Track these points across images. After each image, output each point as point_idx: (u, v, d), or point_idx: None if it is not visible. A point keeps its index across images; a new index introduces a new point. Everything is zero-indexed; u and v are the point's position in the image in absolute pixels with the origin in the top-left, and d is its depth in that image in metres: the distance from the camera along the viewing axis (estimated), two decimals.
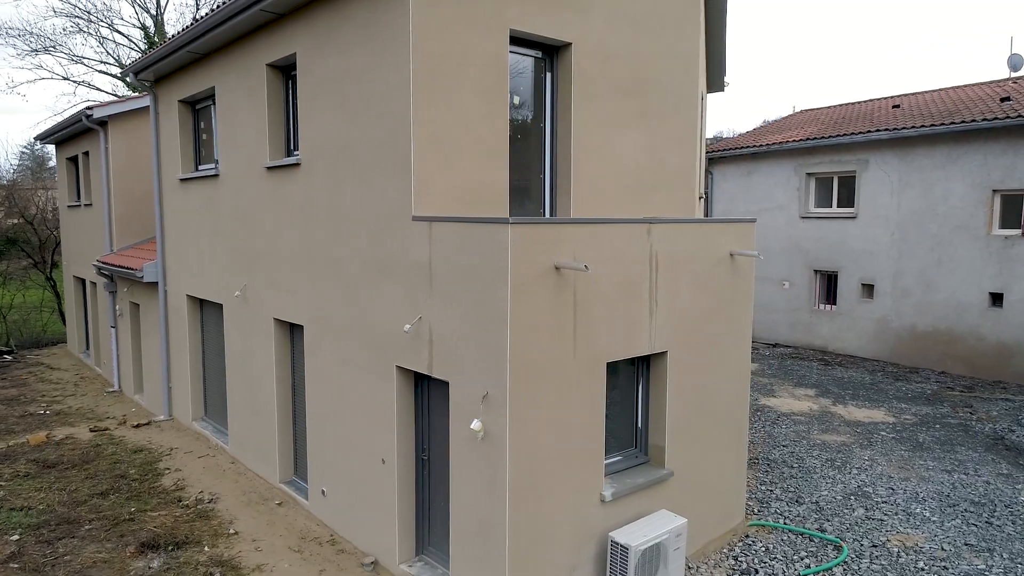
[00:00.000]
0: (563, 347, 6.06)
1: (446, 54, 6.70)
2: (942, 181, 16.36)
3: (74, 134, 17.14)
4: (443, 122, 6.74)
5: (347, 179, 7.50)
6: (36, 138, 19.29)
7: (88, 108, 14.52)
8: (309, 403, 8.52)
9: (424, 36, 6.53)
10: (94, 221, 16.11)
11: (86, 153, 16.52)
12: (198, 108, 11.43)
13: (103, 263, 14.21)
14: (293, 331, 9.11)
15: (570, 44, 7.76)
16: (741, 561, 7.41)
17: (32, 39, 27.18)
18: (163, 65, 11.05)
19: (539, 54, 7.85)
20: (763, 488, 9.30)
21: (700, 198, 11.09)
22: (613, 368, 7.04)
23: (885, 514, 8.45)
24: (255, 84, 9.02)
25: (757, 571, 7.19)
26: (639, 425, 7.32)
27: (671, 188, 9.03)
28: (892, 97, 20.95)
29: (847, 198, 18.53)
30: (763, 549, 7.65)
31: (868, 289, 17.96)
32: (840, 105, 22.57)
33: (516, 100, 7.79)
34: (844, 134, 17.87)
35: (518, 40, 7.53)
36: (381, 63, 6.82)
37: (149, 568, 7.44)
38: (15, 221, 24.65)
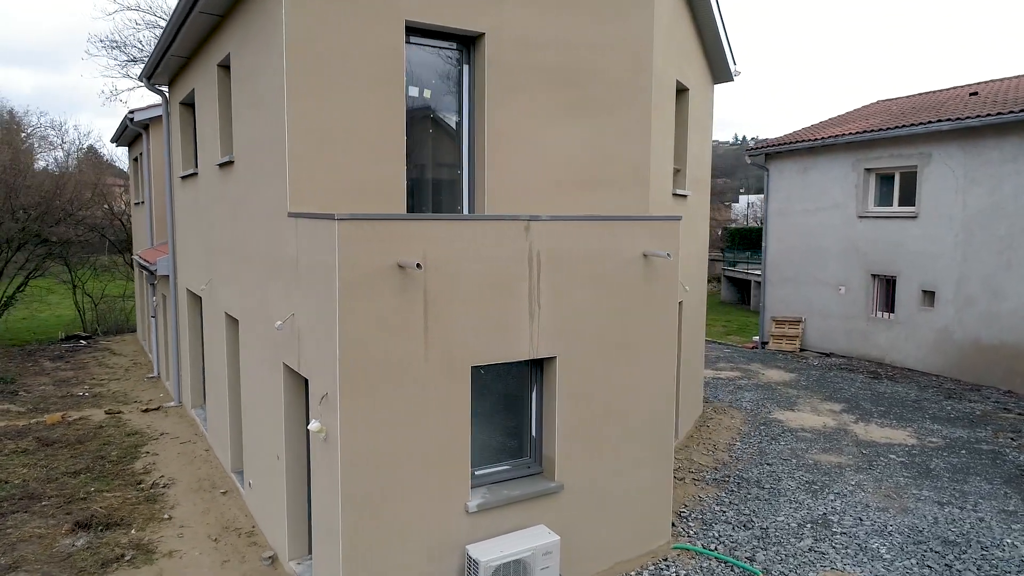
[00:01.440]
0: (412, 349, 5.82)
1: (329, 48, 6.60)
2: (1012, 176, 14.55)
3: (133, 137, 18.44)
4: (326, 117, 6.64)
5: (255, 176, 7.57)
6: (111, 140, 20.91)
7: (130, 112, 15.54)
8: (243, 396, 8.69)
9: (302, 29, 6.46)
10: (144, 217, 17.26)
11: (141, 154, 17.71)
12: (194, 109, 11.94)
13: (139, 257, 15.16)
14: (237, 325, 9.33)
15: (483, 34, 7.45)
16: None
17: (132, 50, 29.50)
18: (164, 68, 11.61)
19: (454, 46, 7.59)
20: (716, 509, 8.59)
21: (681, 195, 10.41)
22: (499, 372, 6.72)
23: (834, 547, 7.58)
24: (211, 84, 9.30)
25: None
26: (533, 434, 6.93)
27: (619, 184, 8.50)
28: (972, 84, 18.87)
29: (908, 196, 16.88)
30: (674, 575, 7.05)
31: (929, 296, 16.28)
32: (917, 94, 20.61)
33: (427, 93, 7.58)
34: (902, 125, 16.28)
35: (426, 32, 7.32)
36: (268, 58, 6.82)
37: (73, 546, 7.82)
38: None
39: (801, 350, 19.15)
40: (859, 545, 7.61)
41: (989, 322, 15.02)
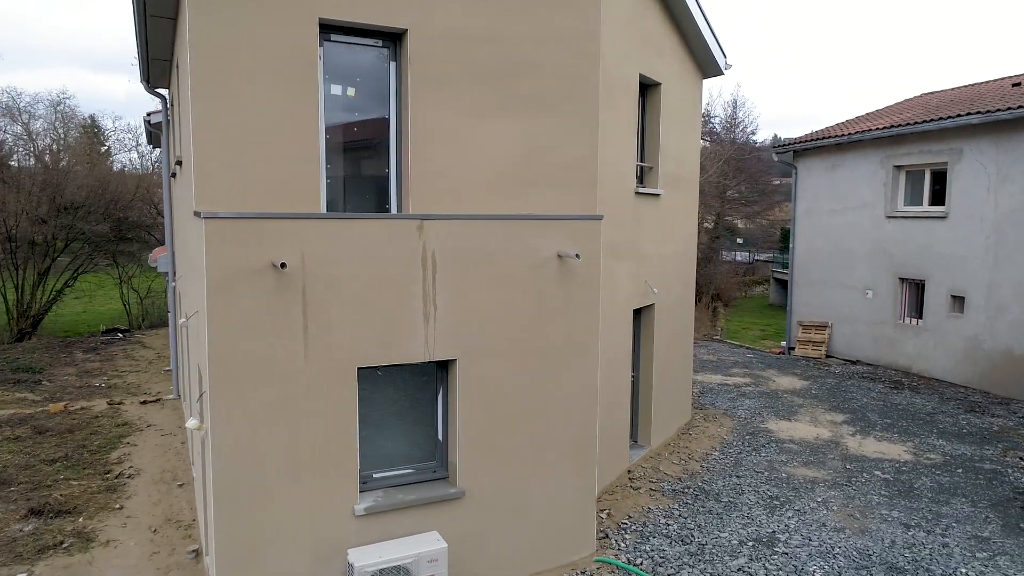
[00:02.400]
0: (291, 349, 5.77)
1: (237, 47, 6.59)
2: None
3: (156, 138, 19.18)
4: (235, 116, 6.63)
5: (186, 175, 7.68)
6: (147, 143, 21.81)
7: (147, 115, 16.15)
8: (199, 390, 8.86)
9: (207, 28, 6.48)
10: (166, 215, 17.93)
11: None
12: None
13: (151, 255, 15.74)
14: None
15: (406, 30, 7.33)
16: None
17: None
18: (157, 70, 11.99)
19: (379, 43, 7.50)
20: (662, 521, 8.22)
21: (650, 194, 10.02)
22: (406, 374, 6.59)
23: (767, 567, 7.12)
24: (175, 85, 9.52)
25: None
26: (440, 438, 6.78)
27: (561, 183, 8.20)
28: (1015, 75, 17.54)
29: (939, 195, 15.82)
30: None
31: (958, 302, 15.21)
32: (962, 87, 19.30)
33: (351, 91, 7.52)
34: (930, 120, 15.26)
35: (347, 29, 7.25)
36: (184, 58, 6.90)
37: (21, 531, 8.13)
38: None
39: (827, 356, 18.24)
40: (795, 567, 7.13)
41: (1021, 331, 13.91)
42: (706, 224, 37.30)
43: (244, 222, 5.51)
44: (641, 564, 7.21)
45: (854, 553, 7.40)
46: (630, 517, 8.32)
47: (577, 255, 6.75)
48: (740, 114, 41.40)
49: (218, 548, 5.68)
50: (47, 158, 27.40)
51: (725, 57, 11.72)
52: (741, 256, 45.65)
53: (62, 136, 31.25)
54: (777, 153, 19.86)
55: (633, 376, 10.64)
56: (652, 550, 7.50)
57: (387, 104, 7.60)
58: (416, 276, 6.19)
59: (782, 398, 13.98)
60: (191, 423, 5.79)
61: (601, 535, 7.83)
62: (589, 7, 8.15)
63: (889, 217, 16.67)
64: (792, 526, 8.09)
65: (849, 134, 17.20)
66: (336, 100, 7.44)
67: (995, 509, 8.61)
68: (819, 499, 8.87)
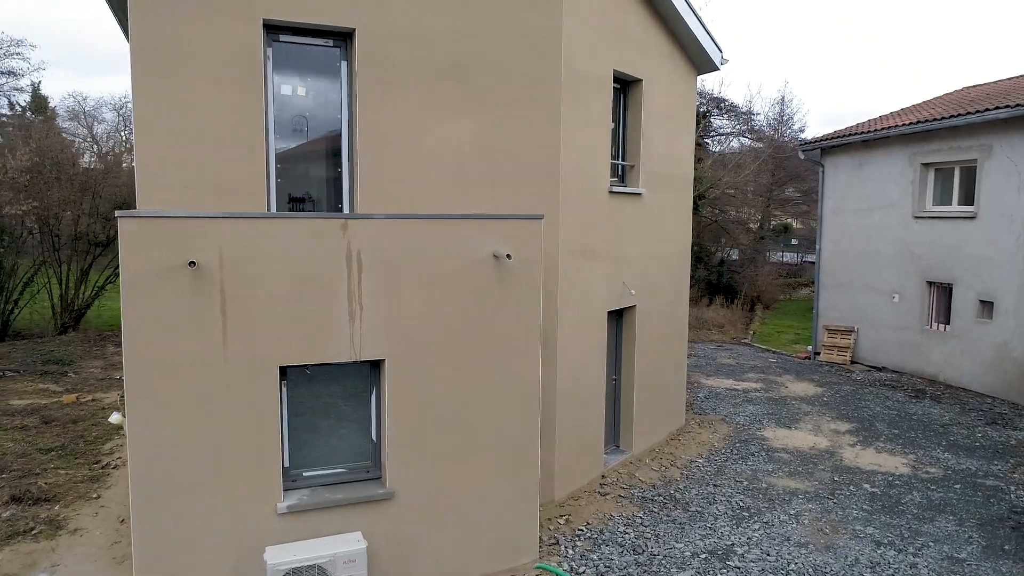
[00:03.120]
0: (210, 347, 5.82)
1: (180, 48, 6.72)
2: None
3: None
4: (178, 117, 6.77)
5: None
6: None
7: None
8: None
9: (148, 30, 6.62)
10: None
11: None
12: None
13: None
14: None
15: (354, 30, 7.33)
16: None
17: None
18: None
19: (330, 42, 7.53)
20: (620, 529, 8.01)
21: (630, 193, 9.78)
22: (340, 374, 6.59)
23: None
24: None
25: None
26: (374, 439, 6.75)
27: (520, 182, 8.10)
28: None
29: (969, 194, 14.98)
30: None
31: (987, 307, 14.37)
32: (1006, 79, 18.23)
33: (301, 91, 7.56)
34: (958, 114, 14.45)
35: (295, 30, 7.30)
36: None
37: None
38: None
39: (852, 362, 17.50)
40: None
41: None
42: (751, 224, 36.33)
43: (160, 221, 5.59)
44: (584, 573, 7.03)
45: (809, 570, 7.05)
46: (588, 524, 8.13)
47: (508, 255, 6.61)
48: (787, 111, 40.21)
49: (137, 544, 5.78)
50: (110, 158, 28.54)
51: (721, 52, 11.35)
52: (789, 257, 44.28)
53: (124, 139, 32.60)
54: (804, 151, 19.16)
55: (614, 379, 10.42)
56: (599, 559, 7.31)
57: (340, 104, 7.64)
58: (341, 276, 6.17)
59: (789, 405, 13.47)
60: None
61: (552, 541, 7.67)
62: (550, 4, 8.00)
63: (917, 217, 15.87)
64: (754, 539, 7.76)
65: (875, 130, 16.46)
66: (287, 100, 7.50)
67: (982, 529, 8.07)
68: (792, 511, 8.49)
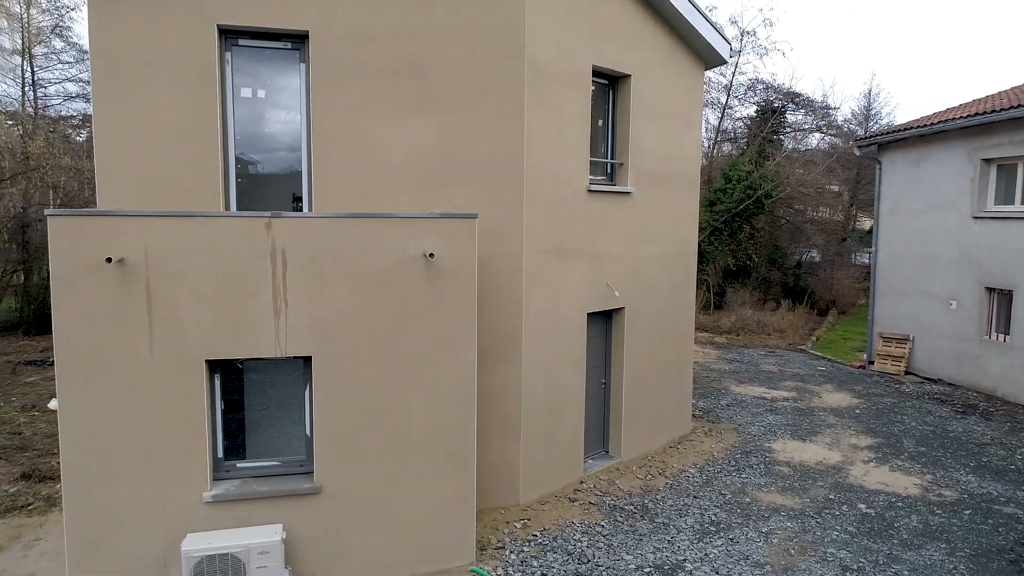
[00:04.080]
0: (135, 340, 6.09)
1: (136, 54, 7.07)
2: None
3: None
4: (136, 120, 7.12)
5: None
6: None
7: None
8: None
9: (106, 37, 7.00)
10: None
11: None
12: None
13: None
14: None
15: (307, 32, 7.48)
16: None
17: None
18: None
19: (288, 45, 7.71)
20: (575, 537, 7.80)
21: (616, 192, 9.50)
22: (276, 369, 6.75)
23: None
24: None
25: None
26: (308, 434, 6.86)
27: (479, 179, 8.03)
28: None
29: None
30: None
31: None
32: None
33: (261, 93, 7.78)
34: (1020, 104, 13.20)
35: (252, 34, 7.52)
36: None
37: (6, 492, 9.16)
38: None
39: (906, 373, 16.34)
40: None
41: None
42: (831, 225, 34.51)
43: (87, 220, 5.90)
44: None
45: None
46: (545, 530, 7.96)
47: (431, 255, 6.56)
48: (874, 105, 37.96)
49: (69, 527, 6.13)
50: None
51: (729, 44, 10.84)
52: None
53: None
54: (860, 147, 18.02)
55: (603, 383, 10.16)
56: (540, 566, 7.15)
57: (298, 105, 7.80)
58: (266, 274, 6.31)
59: (815, 416, 12.71)
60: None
61: (499, 545, 7.57)
62: (512, 3, 7.90)
63: (976, 218, 14.62)
64: (711, 556, 7.37)
65: (931, 124, 15.28)
66: (248, 102, 7.73)
67: (975, 560, 7.36)
68: (765, 529, 8.01)
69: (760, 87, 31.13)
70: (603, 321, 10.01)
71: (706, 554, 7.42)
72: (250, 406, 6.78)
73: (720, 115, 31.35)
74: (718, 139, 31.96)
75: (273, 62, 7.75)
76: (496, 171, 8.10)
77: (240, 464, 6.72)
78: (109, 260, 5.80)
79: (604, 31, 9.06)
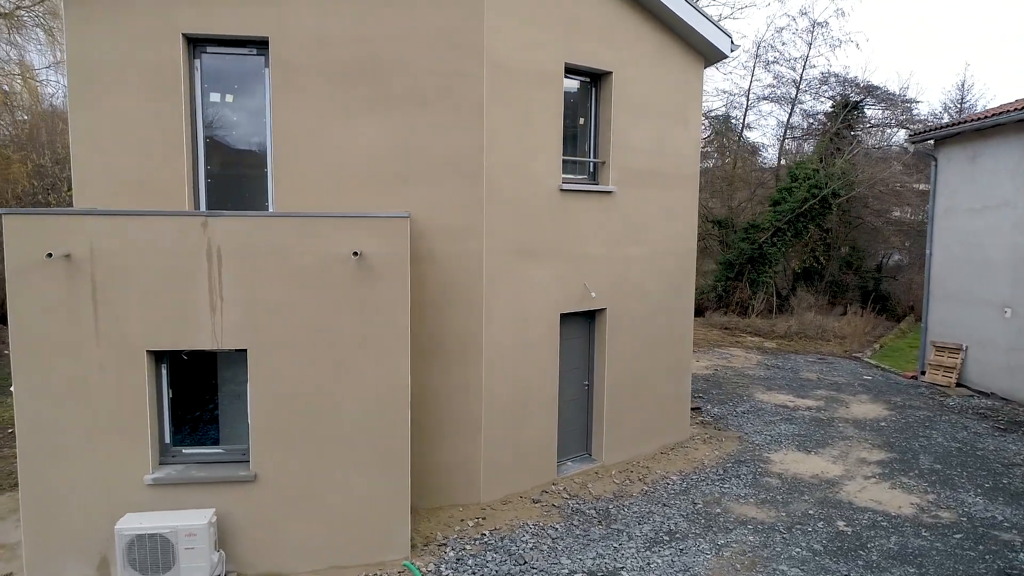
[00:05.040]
0: (82, 331, 6.54)
1: (108, 62, 7.56)
2: None
3: None
4: (105, 123, 7.62)
5: None
6: None
7: None
8: None
9: (80, 46, 7.53)
10: None
11: None
12: None
13: None
14: None
15: (267, 39, 7.78)
16: None
17: None
18: None
19: (254, 51, 8.03)
20: (523, 539, 7.76)
21: (597, 191, 9.37)
22: (221, 360, 7.09)
23: None
24: None
25: None
26: (248, 424, 7.14)
27: (438, 179, 8.11)
28: None
29: None
30: None
31: None
32: None
33: (229, 98, 8.15)
34: None
35: (218, 41, 7.89)
36: None
37: None
38: None
39: (957, 385, 15.22)
40: None
41: None
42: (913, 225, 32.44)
43: (38, 218, 6.38)
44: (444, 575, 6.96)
45: None
46: (496, 529, 7.97)
47: (355, 253, 6.70)
48: (969, 98, 35.39)
49: (23, 504, 6.64)
50: None
51: (729, 38, 10.44)
52: None
53: None
54: (913, 142, 16.88)
55: (585, 385, 10.04)
56: (474, 564, 7.17)
57: (264, 108, 8.13)
58: (202, 270, 6.63)
59: (833, 428, 12.06)
60: (14, 388, 6.83)
61: (442, 541, 7.63)
62: (470, 4, 7.95)
63: None
64: (652, 565, 7.17)
65: (988, 116, 14.15)
66: (217, 107, 8.12)
67: None
68: (722, 542, 7.71)
69: (832, 80, 29.64)
70: (586, 322, 9.88)
71: (648, 563, 7.22)
72: (199, 396, 7.14)
73: (789, 110, 30.10)
74: (786, 135, 30.67)
75: (240, 68, 8.11)
76: (455, 171, 8.17)
77: (187, 450, 7.09)
78: (50, 255, 6.26)
79: (578, 29, 8.94)
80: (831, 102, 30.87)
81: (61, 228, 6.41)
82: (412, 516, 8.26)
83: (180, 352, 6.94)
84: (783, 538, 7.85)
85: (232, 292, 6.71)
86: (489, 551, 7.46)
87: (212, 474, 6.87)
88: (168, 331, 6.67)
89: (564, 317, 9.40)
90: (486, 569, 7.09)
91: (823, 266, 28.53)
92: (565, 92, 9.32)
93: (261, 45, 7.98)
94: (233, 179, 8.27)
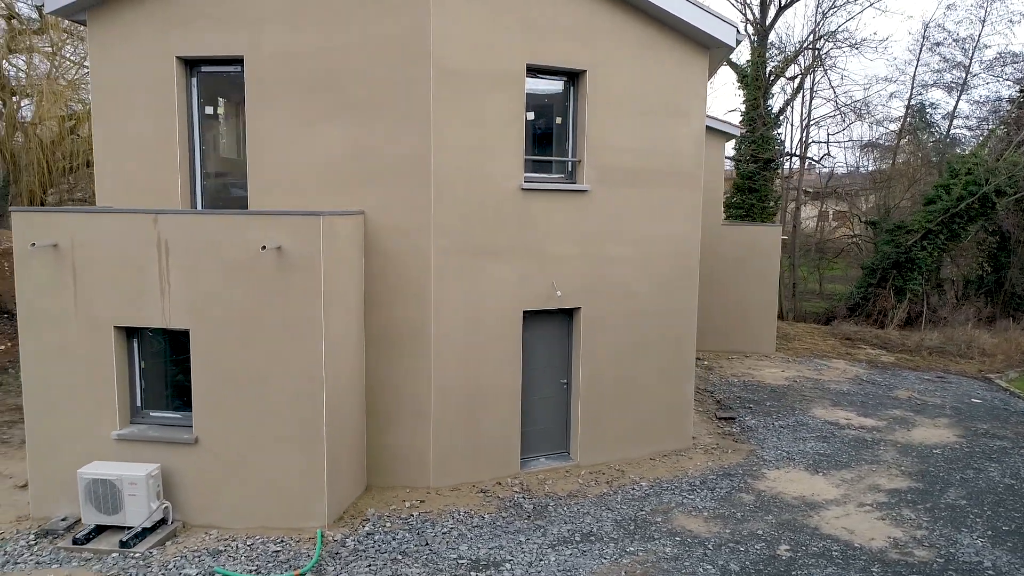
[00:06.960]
0: (65, 307, 7.93)
1: (122, 82, 9.00)
2: None
3: None
4: (119, 134, 9.08)
5: None
6: None
7: None
8: None
9: (100, 69, 9.05)
10: None
11: None
12: None
13: None
14: None
15: (242, 56, 8.78)
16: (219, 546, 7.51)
17: None
18: None
19: (238, 68, 9.09)
20: (443, 524, 8.08)
21: (572, 190, 9.39)
22: (174, 336, 8.23)
23: None
24: None
25: (221, 553, 7.32)
26: None
27: (392, 180, 8.67)
28: None
29: None
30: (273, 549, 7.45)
31: None
32: None
33: (220, 110, 9.29)
34: None
35: (209, 61, 9.05)
36: None
37: None
38: None
39: None
40: None
41: None
42: None
43: (36, 215, 7.86)
44: (350, 547, 7.50)
45: None
46: (427, 513, 8.37)
47: (263, 247, 7.42)
48: None
49: (29, 450, 8.19)
50: None
51: (734, 27, 9.86)
52: None
53: None
54: None
55: (563, 383, 10.07)
56: (379, 541, 7.64)
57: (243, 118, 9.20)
58: (153, 259, 7.75)
59: (872, 450, 10.92)
60: None
61: (366, 517, 8.18)
62: (415, 11, 8.44)
63: None
64: (543, 563, 7.17)
65: None
66: (211, 119, 9.35)
67: None
68: (632, 549, 7.49)
69: (1010, 59, 25.84)
70: (563, 320, 9.90)
71: (539, 560, 7.26)
72: (167, 368, 8.32)
73: (957, 96, 26.71)
74: (951, 125, 27.23)
75: (229, 83, 9.22)
76: (405, 172, 8.67)
77: (153, 413, 8.30)
78: (33, 245, 7.70)
79: (542, 29, 9.02)
80: (1018, 86, 26.98)
81: (52, 223, 7.82)
82: (365, 492, 8.94)
83: (146, 329, 8.14)
84: (703, 554, 7.46)
85: (177, 278, 7.76)
86: (403, 531, 7.90)
87: (162, 435, 7.99)
88: (129, 310, 7.87)
89: (533, 314, 9.52)
90: (386, 545, 7.55)
91: (988, 274, 25.05)
92: (538, 92, 9.46)
93: (240, 63, 9.02)
94: (224, 183, 9.42)
